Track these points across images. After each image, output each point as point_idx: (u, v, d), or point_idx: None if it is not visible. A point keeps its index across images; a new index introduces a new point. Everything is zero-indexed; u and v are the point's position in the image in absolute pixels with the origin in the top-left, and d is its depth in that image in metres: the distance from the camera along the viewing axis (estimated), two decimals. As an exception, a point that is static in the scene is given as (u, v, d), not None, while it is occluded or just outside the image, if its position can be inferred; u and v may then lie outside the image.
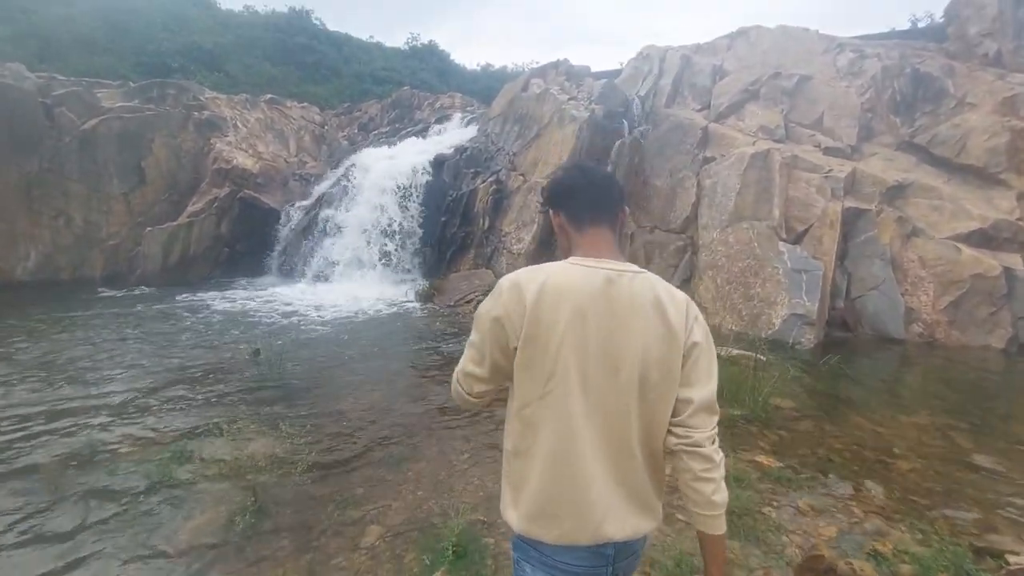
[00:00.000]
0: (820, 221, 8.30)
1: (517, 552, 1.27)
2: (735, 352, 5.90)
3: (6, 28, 15.70)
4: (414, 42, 29.50)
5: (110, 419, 4.33)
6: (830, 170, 8.85)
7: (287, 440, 3.93)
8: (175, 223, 11.92)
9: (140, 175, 12.41)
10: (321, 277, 11.60)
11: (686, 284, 8.91)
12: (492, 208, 11.40)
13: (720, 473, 1.16)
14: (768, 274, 7.73)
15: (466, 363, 1.29)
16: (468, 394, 1.31)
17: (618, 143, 10.94)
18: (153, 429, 4.17)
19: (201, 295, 10.27)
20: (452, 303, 9.40)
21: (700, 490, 1.15)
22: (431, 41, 29.78)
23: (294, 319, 8.37)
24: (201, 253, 12.23)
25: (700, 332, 1.22)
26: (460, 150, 13.27)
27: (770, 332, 7.31)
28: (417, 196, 12.50)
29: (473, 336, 1.27)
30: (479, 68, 30.98)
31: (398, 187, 12.51)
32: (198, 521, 2.94)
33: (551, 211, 1.37)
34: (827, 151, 9.65)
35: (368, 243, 11.80)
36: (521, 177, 11.54)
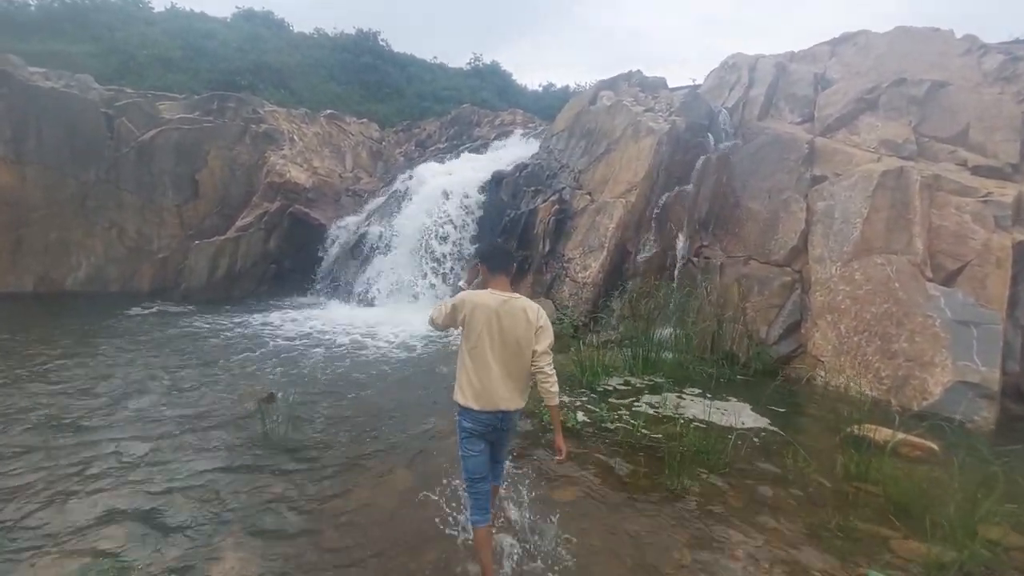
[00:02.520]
0: (981, 258, 6.43)
1: (459, 416, 2.75)
2: (898, 437, 4.23)
3: (92, 45, 16.34)
4: (476, 62, 29.20)
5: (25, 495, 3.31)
6: (988, 193, 6.97)
7: (258, 565, 2.73)
8: (223, 237, 11.45)
9: (194, 187, 12.12)
10: (366, 300, 10.70)
11: (795, 329, 7.20)
12: (554, 230, 10.14)
13: (553, 378, 2.67)
14: (918, 325, 5.95)
15: (438, 315, 2.84)
16: (432, 325, 2.90)
17: (703, 159, 9.45)
18: (86, 518, 3.10)
19: (241, 315, 9.57)
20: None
21: (544, 386, 2.67)
22: (493, 61, 29.40)
23: (329, 349, 7.38)
24: (248, 269, 11.69)
25: (543, 321, 2.71)
26: (520, 167, 12.18)
27: (925, 404, 5.52)
28: (472, 215, 11.48)
29: (446, 306, 2.79)
30: (541, 88, 30.21)
31: (452, 205, 11.55)
32: None
33: (479, 263, 2.95)
34: (977, 170, 7.73)
35: (418, 265, 10.83)
36: (588, 196, 10.23)
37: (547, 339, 2.65)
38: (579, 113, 12.42)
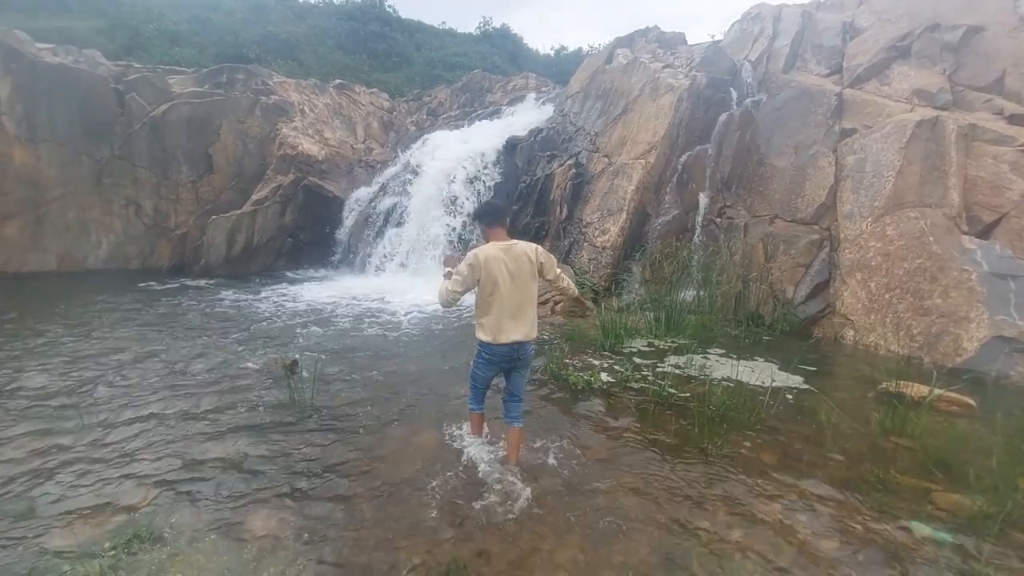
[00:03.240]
0: (1019, 208, 6.16)
1: (480, 348, 3.22)
2: (935, 392, 4.11)
3: (98, 20, 16.16)
4: (486, 27, 28.38)
5: (62, 457, 3.37)
6: (1030, 141, 6.62)
7: (289, 521, 2.75)
8: (239, 211, 11.45)
9: (208, 162, 12.07)
10: (382, 269, 10.69)
11: (822, 289, 7.02)
12: (571, 195, 9.95)
13: (570, 282, 3.50)
14: (952, 280, 5.73)
15: (454, 286, 3.10)
16: (452, 300, 3.14)
17: (725, 115, 9.12)
18: (113, 475, 3.15)
19: (260, 288, 9.63)
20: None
21: (566, 291, 3.54)
22: (503, 25, 28.56)
23: (348, 319, 7.39)
24: (265, 243, 11.71)
25: (543, 256, 3.19)
26: (534, 132, 11.90)
27: (959, 360, 5.36)
28: (486, 182, 11.31)
29: (460, 274, 3.09)
30: (553, 52, 29.33)
31: (466, 173, 11.37)
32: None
33: (477, 222, 3.47)
34: (1014, 119, 7.32)
35: (433, 233, 10.74)
36: (605, 159, 9.97)
37: (552, 266, 3.27)
38: (594, 73, 12.02)
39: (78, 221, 10.78)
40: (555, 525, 2.74)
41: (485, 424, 3.60)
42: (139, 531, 2.59)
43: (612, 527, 2.73)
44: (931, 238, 6.10)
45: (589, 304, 6.38)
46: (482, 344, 3.19)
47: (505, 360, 3.18)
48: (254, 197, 11.71)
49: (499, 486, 3.07)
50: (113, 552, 2.45)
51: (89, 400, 4.28)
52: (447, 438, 3.69)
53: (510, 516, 2.81)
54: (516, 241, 3.18)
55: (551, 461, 3.38)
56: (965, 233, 6.22)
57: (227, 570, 2.38)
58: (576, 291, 3.69)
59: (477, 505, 2.91)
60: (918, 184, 6.71)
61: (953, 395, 4.27)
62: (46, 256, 10.59)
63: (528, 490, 3.03)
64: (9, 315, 6.97)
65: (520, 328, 3.10)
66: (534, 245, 3.21)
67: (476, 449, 3.47)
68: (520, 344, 3.13)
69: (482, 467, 3.28)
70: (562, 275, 3.38)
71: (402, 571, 2.40)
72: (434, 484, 3.11)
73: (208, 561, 2.43)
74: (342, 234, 11.93)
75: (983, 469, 3.07)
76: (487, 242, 3.19)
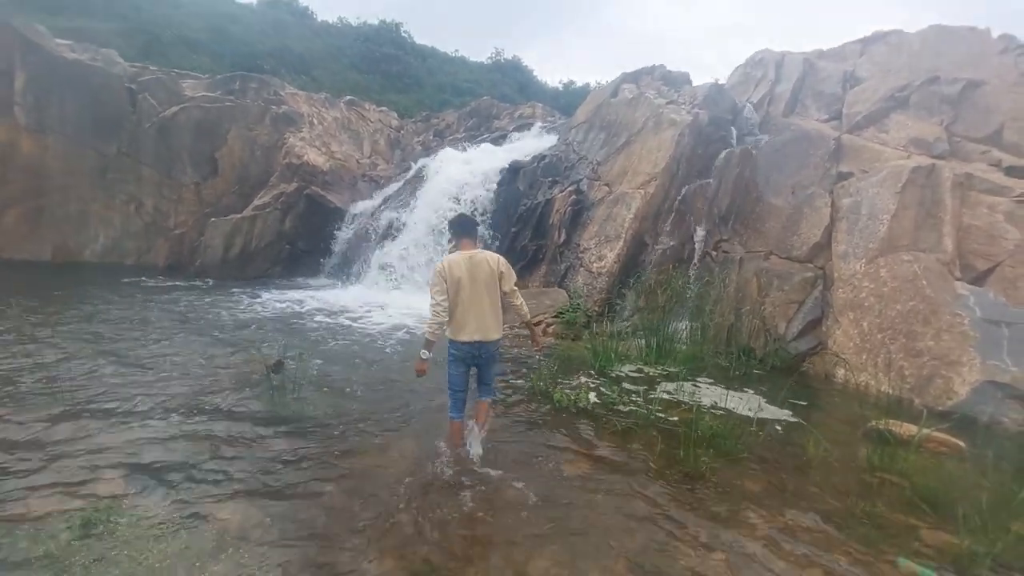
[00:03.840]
0: (1014, 258, 6.21)
1: (449, 345, 3.52)
2: (924, 432, 4.05)
3: (118, 23, 16.53)
4: (497, 57, 29.17)
5: (33, 441, 3.27)
6: (1023, 193, 6.73)
7: (257, 516, 2.65)
8: (239, 215, 11.50)
9: (213, 165, 12.18)
10: (378, 283, 10.65)
11: (815, 326, 7.01)
12: (569, 220, 10.02)
13: (522, 303, 3.65)
14: (945, 323, 5.73)
15: (433, 295, 3.38)
16: (437, 309, 3.36)
17: (725, 152, 9.28)
18: (89, 461, 3.05)
19: (254, 292, 9.57)
20: (519, 324, 8.03)
21: (518, 310, 3.65)
22: (514, 56, 29.38)
23: (339, 327, 7.33)
24: (262, 248, 11.72)
25: (503, 267, 3.50)
26: (538, 158, 12.06)
27: (950, 403, 5.32)
28: (488, 204, 11.40)
29: (433, 280, 3.41)
30: (561, 85, 30.11)
31: (467, 193, 11.47)
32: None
33: (450, 232, 3.84)
34: (1012, 171, 7.47)
35: (430, 250, 10.76)
36: (606, 187, 10.09)
37: (510, 279, 3.54)
38: (600, 105, 12.28)
39: (78, 213, 10.79)
40: (530, 535, 2.65)
41: (465, 433, 3.59)
42: (99, 516, 2.49)
43: (588, 542, 2.63)
44: (924, 282, 6.13)
45: (542, 339, 5.67)
46: (449, 341, 3.52)
47: (469, 356, 3.48)
48: (256, 202, 11.77)
49: (473, 494, 2.98)
50: (68, 532, 2.34)
51: (64, 388, 4.18)
52: (424, 445, 3.60)
53: (483, 524, 2.71)
54: (480, 250, 3.53)
55: (529, 474, 3.30)
56: (958, 279, 6.25)
57: (189, 560, 2.28)
58: (528, 315, 3.75)
59: (450, 511, 2.81)
60: (913, 229, 6.78)
61: (942, 436, 4.21)
62: (42, 246, 10.55)
63: (504, 499, 2.93)
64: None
65: (480, 328, 3.40)
66: (497, 256, 3.54)
67: (452, 457, 3.38)
68: (481, 343, 3.43)
69: (456, 475, 3.19)
70: (517, 292, 3.59)
71: (369, 573, 2.30)
72: (407, 488, 3.02)
73: (168, 549, 2.32)
74: (340, 244, 11.95)
75: (972, 509, 3.00)
76: (455, 251, 3.60)
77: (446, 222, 10.84)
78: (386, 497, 2.93)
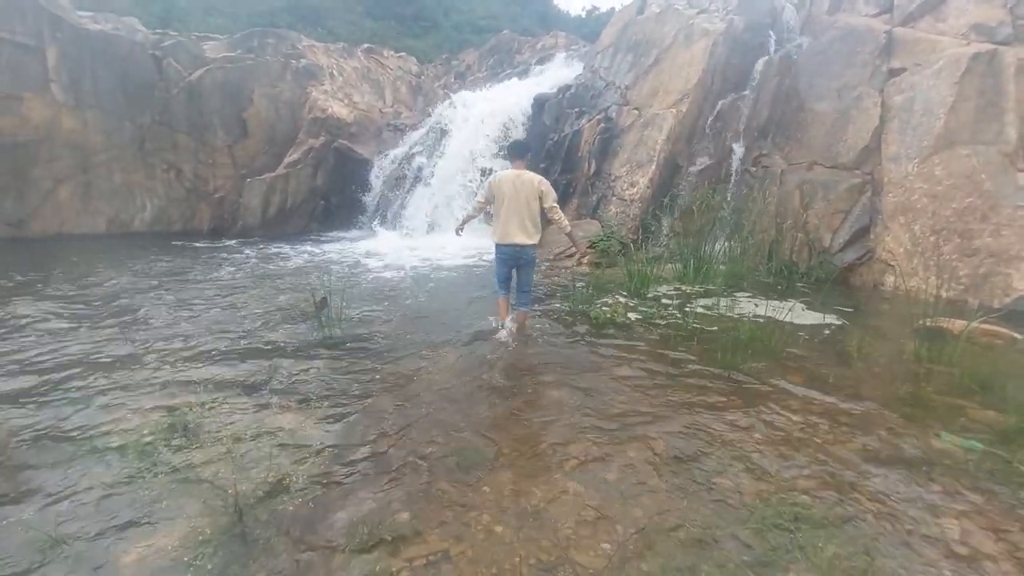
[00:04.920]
0: (1086, 142, 5.68)
1: (496, 251, 4.25)
2: (974, 323, 3.90)
3: (134, -7, 16.55)
4: (515, -12, 27.68)
5: (123, 369, 3.59)
6: (1101, 71, 6.06)
7: (320, 421, 2.87)
8: (273, 174, 11.74)
9: (242, 127, 12.35)
10: (412, 228, 10.81)
11: (862, 235, 6.71)
12: (599, 150, 9.75)
13: (562, 216, 4.22)
14: (1005, 217, 5.38)
15: (478, 198, 4.58)
16: (474, 207, 4.56)
17: (763, 60, 8.70)
18: (169, 384, 3.35)
19: (296, 245, 9.93)
20: (552, 257, 8.05)
21: (558, 222, 4.19)
22: (533, -14, 27.77)
23: (377, 270, 7.55)
24: (298, 205, 12.01)
25: (544, 186, 4.10)
26: (563, 89, 11.63)
27: (1007, 300, 5.08)
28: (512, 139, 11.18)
29: (481, 190, 5.07)
30: (584, 13, 28.49)
31: (493, 132, 11.27)
32: (142, 549, 1.93)
33: (508, 153, 4.68)
34: (1087, 49, 6.70)
35: (461, 192, 10.75)
36: (635, 112, 9.69)
37: (551, 196, 4.10)
38: (626, 25, 11.60)
39: (124, 185, 11.26)
40: (572, 424, 2.78)
41: (509, 311, 4.36)
42: (177, 423, 2.77)
43: (626, 428, 2.74)
44: (983, 176, 5.72)
45: (582, 245, 6.12)
46: (496, 246, 4.21)
47: (510, 258, 4.16)
48: (287, 160, 11.96)
49: (517, 393, 3.13)
50: (154, 436, 2.63)
51: (139, 325, 4.54)
52: (462, 358, 3.77)
53: (526, 419, 2.86)
54: (527, 171, 4.15)
55: (570, 376, 3.41)
56: (1022, 171, 5.80)
57: (252, 446, 2.53)
58: (568, 226, 4.31)
59: (496, 407, 2.97)
60: (972, 121, 6.27)
61: (995, 328, 4.06)
62: (96, 219, 11.13)
63: (550, 397, 3.07)
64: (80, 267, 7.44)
65: (520, 234, 4.04)
66: (540, 177, 4.16)
67: (494, 360, 3.55)
68: (520, 247, 4.09)
69: (500, 378, 3.34)
70: (556, 208, 4.13)
71: (421, 455, 2.50)
72: (449, 390, 3.19)
73: (238, 449, 2.58)
74: (371, 195, 12.08)
75: (1020, 390, 2.92)
76: (512, 168, 4.24)
77: (471, 164, 10.93)
78: (430, 398, 3.11)
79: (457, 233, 4.47)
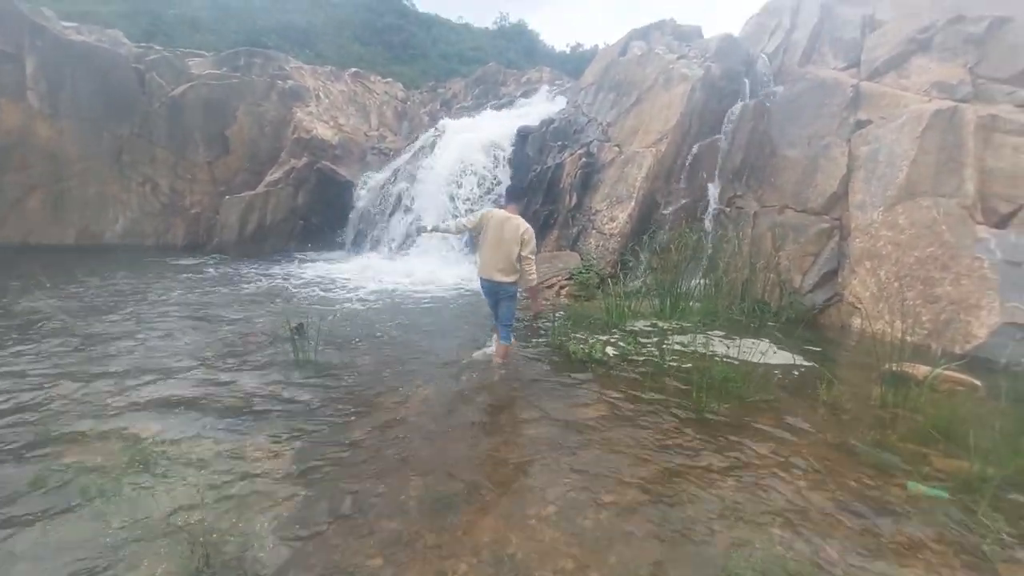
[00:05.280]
0: (1038, 200, 6.05)
1: (481, 282, 4.47)
2: (938, 370, 4.06)
3: (122, 5, 16.49)
4: (502, 22, 28.51)
5: (82, 396, 3.45)
6: (1050, 133, 6.50)
7: (291, 459, 2.80)
8: (253, 192, 11.63)
9: (224, 144, 12.26)
10: (392, 253, 10.78)
11: (831, 278, 6.96)
12: (580, 184, 9.95)
13: (533, 270, 4.30)
14: (964, 267, 5.66)
15: (466, 219, 4.59)
16: (459, 225, 4.64)
17: (739, 106, 9.08)
18: (133, 409, 3.22)
19: (272, 266, 9.78)
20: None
21: (527, 275, 4.28)
22: (520, 21, 28.66)
23: (355, 295, 7.47)
24: (277, 224, 11.87)
25: (527, 235, 4.22)
26: (547, 122, 11.91)
27: (968, 347, 5.30)
28: (497, 170, 11.35)
29: (475, 216, 4.51)
30: (569, 49, 29.37)
31: (476, 161, 11.42)
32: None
33: (505, 195, 4.91)
34: (1038, 112, 7.19)
35: (442, 219, 10.80)
36: (616, 148, 9.96)
37: (529, 246, 4.23)
38: (608, 65, 12.02)
39: (97, 196, 11.00)
40: (547, 467, 2.76)
41: (492, 342, 4.69)
42: (139, 459, 2.66)
43: (601, 472, 2.74)
44: (943, 227, 6.03)
45: (538, 305, 6.19)
46: (479, 277, 4.49)
47: (489, 292, 4.42)
48: (268, 179, 11.87)
49: (492, 432, 3.10)
50: (115, 470, 2.51)
51: (103, 346, 4.38)
52: (444, 393, 3.72)
53: (502, 459, 2.83)
54: (516, 216, 4.33)
55: (547, 416, 3.40)
56: (979, 223, 6.13)
57: (220, 488, 2.44)
58: (533, 281, 4.35)
59: (471, 447, 2.94)
60: (933, 174, 6.62)
61: (957, 375, 4.22)
62: (66, 230, 10.81)
63: (525, 436, 3.05)
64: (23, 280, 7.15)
65: (496, 272, 4.26)
66: (527, 226, 4.28)
67: (468, 397, 3.51)
68: (497, 283, 4.30)
69: (475, 415, 3.31)
70: (531, 260, 4.26)
71: (396, 498, 2.44)
72: (426, 426, 3.15)
73: (203, 481, 2.48)
74: (352, 217, 12.04)
75: (984, 438, 3.03)
76: (504, 208, 4.48)
77: (452, 193, 11.03)
78: (404, 433, 3.06)
79: (423, 230, 5.26)
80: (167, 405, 3.35)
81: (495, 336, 4.59)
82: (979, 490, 2.62)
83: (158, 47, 12.66)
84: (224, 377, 3.90)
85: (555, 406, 3.57)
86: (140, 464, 2.60)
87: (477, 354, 4.66)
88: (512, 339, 4.53)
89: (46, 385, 3.61)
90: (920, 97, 7.88)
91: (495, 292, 4.35)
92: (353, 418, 3.30)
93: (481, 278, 4.39)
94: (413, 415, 3.35)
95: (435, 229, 4.88)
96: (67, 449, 2.76)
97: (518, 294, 4.47)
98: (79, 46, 10.65)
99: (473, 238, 4.84)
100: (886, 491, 2.67)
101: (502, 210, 4.39)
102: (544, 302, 6.84)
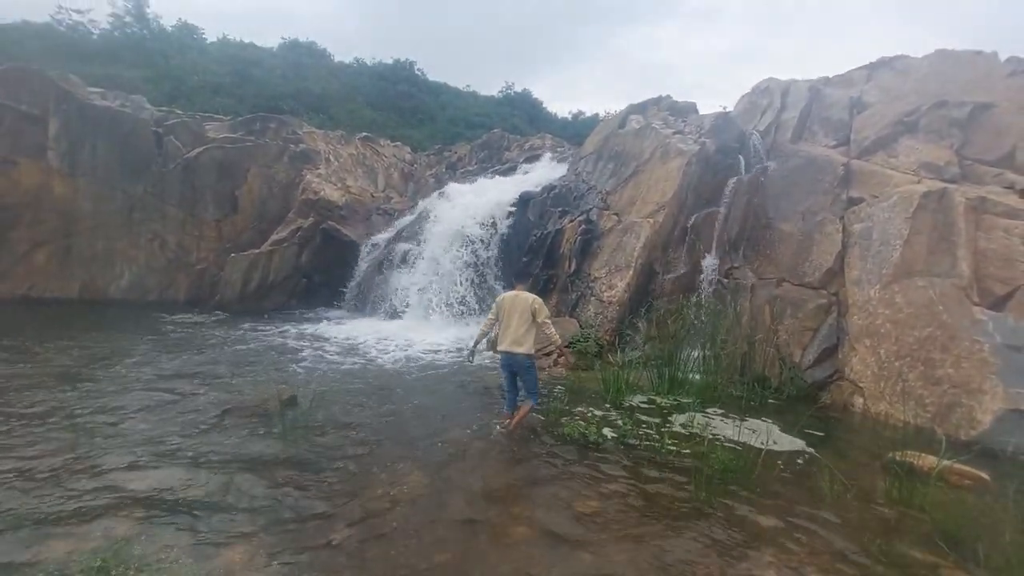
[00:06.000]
0: (1033, 282, 6.09)
1: (500, 357, 4.96)
2: (944, 463, 3.94)
3: (148, 70, 17.43)
4: (508, 90, 29.94)
5: (52, 480, 3.35)
6: (1039, 216, 6.65)
7: (269, 562, 2.68)
8: (257, 251, 11.82)
9: (233, 203, 12.59)
10: (392, 314, 10.81)
11: (831, 354, 6.91)
12: (580, 250, 10.10)
13: (553, 331, 4.95)
14: (964, 350, 5.62)
15: (489, 315, 5.08)
16: (487, 325, 5.06)
17: (734, 180, 9.36)
18: (105, 498, 3.11)
19: (272, 325, 9.77)
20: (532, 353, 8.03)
21: (549, 337, 4.98)
22: (524, 89, 30.13)
23: (353, 358, 7.42)
24: (280, 282, 11.99)
25: (536, 304, 4.83)
26: (548, 188, 12.27)
27: (973, 433, 5.17)
28: (499, 234, 11.57)
29: (491, 311, 5.09)
30: (571, 116, 30.70)
31: (479, 224, 11.68)
32: None
33: (513, 278, 7.29)
34: (1025, 194, 7.39)
35: (443, 282, 10.91)
36: (615, 217, 10.19)
37: (542, 313, 4.77)
38: (607, 136, 12.50)
39: (105, 251, 11.18)
40: (539, 574, 2.63)
41: (507, 422, 4.86)
42: (113, 556, 2.54)
43: (601, 570, 2.61)
44: (941, 307, 6.04)
45: (570, 358, 6.64)
46: (499, 353, 4.89)
47: (506, 364, 4.86)
48: (273, 237, 12.10)
49: (480, 532, 2.97)
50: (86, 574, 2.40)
51: (84, 420, 4.30)
52: (436, 482, 3.61)
53: (492, 563, 2.70)
54: (525, 293, 4.98)
55: (538, 512, 3.28)
56: (976, 304, 6.14)
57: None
58: (558, 341, 5.05)
59: (461, 553, 2.81)
60: (926, 254, 6.71)
61: (964, 468, 4.10)
62: (70, 283, 10.93)
63: (514, 537, 2.92)
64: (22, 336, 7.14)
65: (512, 344, 4.72)
66: (535, 296, 4.90)
67: (458, 496, 3.39)
68: (512, 354, 4.74)
69: (463, 512, 3.19)
70: (548, 324, 4.83)
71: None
72: (417, 525, 3.02)
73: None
74: (356, 277, 12.16)
75: (995, 547, 2.90)
76: (512, 290, 5.08)
77: (456, 259, 11.21)
78: (392, 539, 2.93)
79: (469, 359, 5.16)
80: (145, 495, 3.24)
81: (508, 416, 4.89)
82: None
83: (179, 111, 13.28)
84: (206, 459, 3.79)
85: (548, 498, 3.45)
86: (111, 570, 2.48)
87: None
88: (535, 402, 4.93)
89: (16, 460, 3.51)
90: (909, 177, 8.12)
91: (511, 364, 4.80)
92: (339, 513, 3.18)
93: (500, 352, 4.82)
94: (403, 511, 3.23)
95: (478, 341, 5.07)
96: (40, 548, 2.64)
97: (535, 364, 4.96)
98: (102, 110, 11.17)
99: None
100: (895, 610, 2.52)
101: (511, 291, 5.00)
102: (551, 355, 7.64)
